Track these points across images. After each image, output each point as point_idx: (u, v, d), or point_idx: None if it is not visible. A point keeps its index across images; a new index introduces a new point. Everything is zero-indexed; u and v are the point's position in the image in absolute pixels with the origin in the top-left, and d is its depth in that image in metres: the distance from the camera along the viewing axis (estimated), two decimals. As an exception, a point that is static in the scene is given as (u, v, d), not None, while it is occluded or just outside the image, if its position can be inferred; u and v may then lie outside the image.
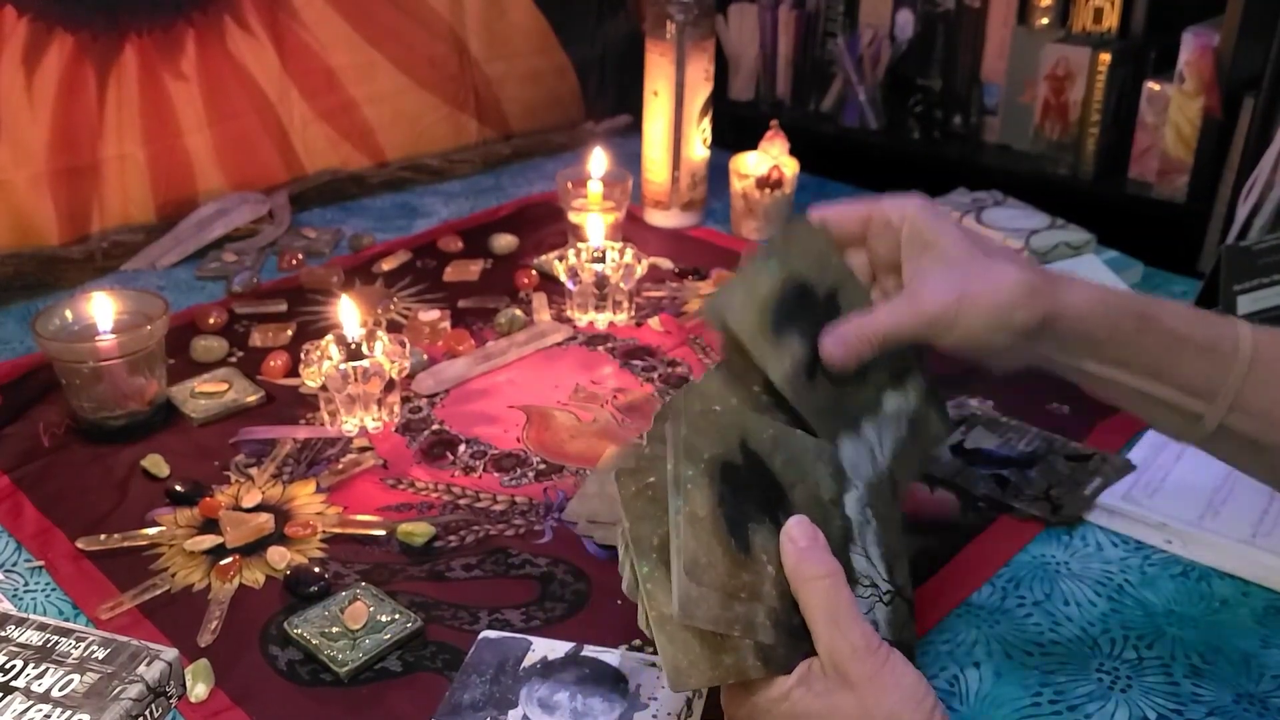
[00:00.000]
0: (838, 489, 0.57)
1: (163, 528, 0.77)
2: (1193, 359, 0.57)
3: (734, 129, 1.38)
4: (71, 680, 0.59)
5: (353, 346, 0.89)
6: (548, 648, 0.65)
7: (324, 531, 0.77)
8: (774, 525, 0.53)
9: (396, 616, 0.67)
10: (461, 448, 0.87)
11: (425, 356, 0.99)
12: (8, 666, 0.60)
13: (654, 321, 1.06)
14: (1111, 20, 1.46)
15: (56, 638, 0.62)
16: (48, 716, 0.57)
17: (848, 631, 0.50)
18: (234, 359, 1.00)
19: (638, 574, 0.51)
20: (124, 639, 0.63)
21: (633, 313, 1.08)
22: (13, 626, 0.63)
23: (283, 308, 1.09)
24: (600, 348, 1.03)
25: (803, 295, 0.60)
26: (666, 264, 1.19)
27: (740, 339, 0.57)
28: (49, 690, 0.59)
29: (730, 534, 0.51)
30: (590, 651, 0.64)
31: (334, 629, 0.66)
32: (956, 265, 0.57)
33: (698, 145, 1.26)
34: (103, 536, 0.76)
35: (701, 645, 0.50)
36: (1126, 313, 0.57)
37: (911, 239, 0.59)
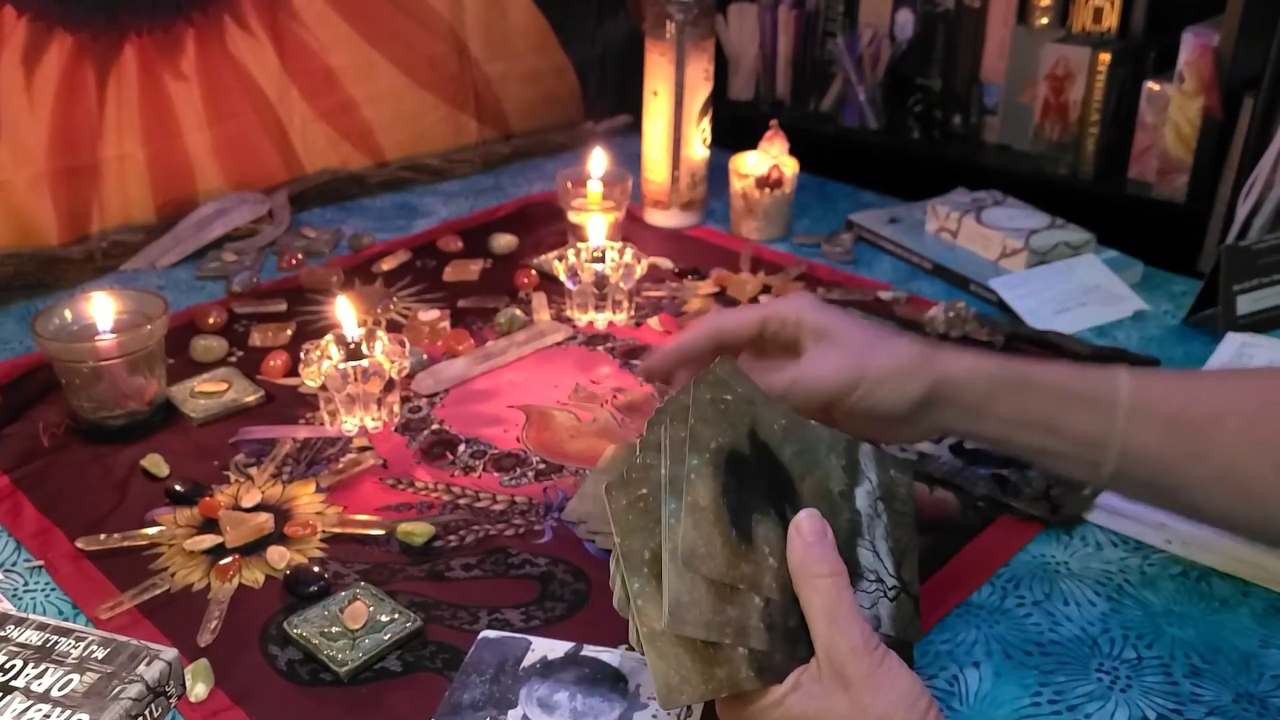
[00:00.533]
0: (849, 482, 0.57)
1: (162, 527, 0.77)
2: (1078, 412, 0.61)
3: (734, 129, 1.38)
4: (71, 680, 0.59)
5: (352, 346, 0.89)
6: (547, 647, 0.65)
7: (324, 531, 0.77)
8: (779, 517, 0.53)
9: (396, 616, 0.67)
10: (461, 447, 0.87)
11: (425, 356, 0.99)
12: (7, 666, 0.60)
13: (653, 321, 1.06)
14: (1111, 20, 1.46)
15: (56, 637, 0.62)
16: (47, 716, 0.57)
17: (846, 631, 0.50)
18: (234, 359, 1.00)
19: (628, 589, 0.51)
20: (123, 639, 0.63)
21: (632, 312, 1.08)
22: (12, 626, 0.63)
23: (282, 307, 1.09)
24: (600, 347, 1.03)
25: (736, 466, 0.53)
26: (666, 264, 1.19)
27: (716, 576, 0.51)
28: (48, 690, 0.59)
29: (732, 524, 0.51)
30: (590, 651, 0.64)
31: (334, 629, 0.66)
32: (849, 344, 0.64)
33: (697, 145, 1.26)
34: (102, 536, 0.76)
35: (693, 660, 0.49)
36: (1005, 375, 0.62)
37: (809, 331, 0.65)
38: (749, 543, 0.51)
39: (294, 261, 1.19)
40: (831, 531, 0.53)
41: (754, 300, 1.10)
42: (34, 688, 0.59)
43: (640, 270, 1.06)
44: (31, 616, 0.65)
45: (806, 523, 0.53)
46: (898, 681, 0.50)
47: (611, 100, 1.64)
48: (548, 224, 1.29)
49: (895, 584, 0.55)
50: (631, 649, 0.65)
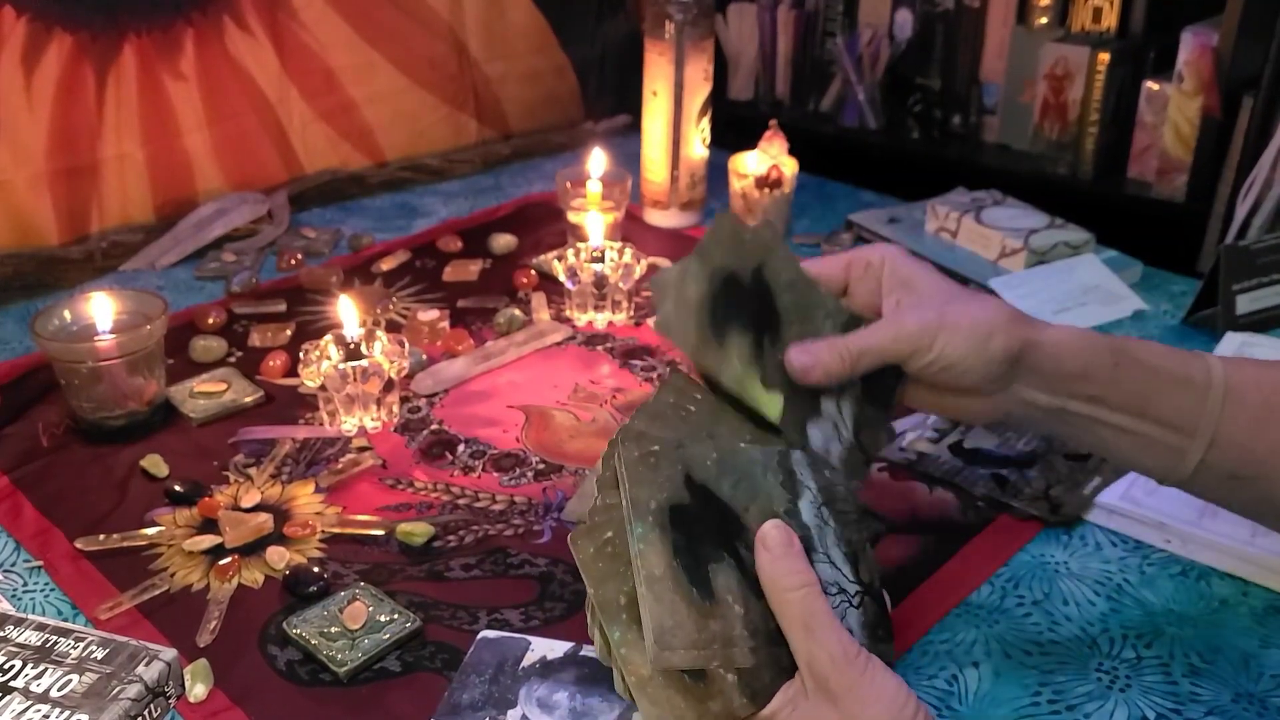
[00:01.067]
0: (791, 498, 0.56)
1: (162, 528, 0.77)
2: (1170, 393, 0.57)
3: (733, 129, 1.38)
4: (70, 680, 0.59)
5: (352, 346, 0.89)
6: (547, 647, 0.65)
7: (323, 531, 0.77)
8: (734, 559, 0.52)
9: (395, 616, 0.67)
10: (460, 447, 0.87)
11: (424, 356, 0.99)
12: (6, 666, 0.60)
13: (653, 321, 1.06)
14: (1110, 20, 1.46)
15: (55, 638, 0.62)
16: (46, 717, 0.57)
17: (825, 642, 0.49)
18: (233, 359, 1.00)
19: (609, 639, 0.50)
20: (123, 639, 0.63)
21: (632, 312, 1.08)
22: (11, 626, 0.63)
23: (282, 308, 1.09)
24: (599, 347, 1.03)
25: (730, 286, 0.60)
26: (665, 264, 1.19)
27: (688, 354, 0.59)
28: (48, 690, 0.59)
29: (691, 584, 0.50)
30: (589, 651, 0.64)
31: (333, 629, 0.66)
32: (936, 297, 0.59)
33: (697, 145, 1.26)
34: (102, 536, 0.76)
35: (685, 699, 0.49)
36: (1102, 348, 0.58)
37: (892, 278, 0.61)
38: (712, 598, 0.50)
39: (293, 262, 1.19)
40: (798, 540, 0.52)
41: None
42: (33, 688, 0.59)
43: (640, 270, 1.06)
44: (31, 617, 0.65)
45: (771, 536, 0.51)
46: (883, 688, 0.49)
47: (611, 100, 1.64)
48: (547, 224, 1.29)
49: (857, 589, 0.55)
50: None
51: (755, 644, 0.50)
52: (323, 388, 0.88)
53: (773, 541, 0.51)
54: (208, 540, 0.75)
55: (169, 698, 0.62)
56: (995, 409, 0.60)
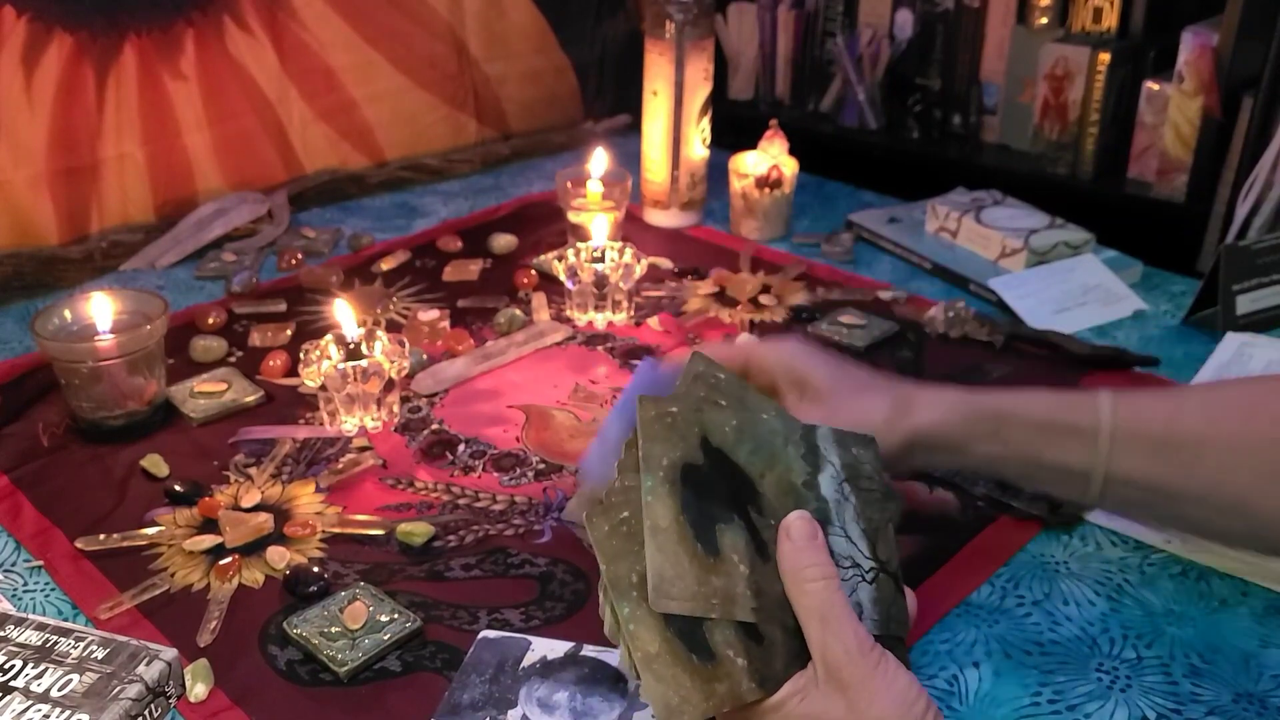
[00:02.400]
0: (811, 470, 0.56)
1: (162, 528, 0.77)
2: (1059, 443, 0.62)
3: (733, 129, 1.38)
4: (71, 680, 0.59)
5: (352, 346, 0.89)
6: (547, 647, 0.65)
7: (323, 531, 0.77)
8: (744, 521, 0.52)
9: (396, 616, 0.67)
10: (461, 447, 0.87)
11: (424, 356, 0.99)
12: (7, 666, 0.60)
13: (653, 321, 1.06)
14: (1110, 20, 1.46)
15: (56, 637, 0.62)
16: (47, 716, 0.57)
17: (840, 634, 0.50)
18: (233, 359, 1.00)
19: (619, 616, 0.50)
20: (123, 639, 0.63)
21: (632, 312, 1.08)
22: (12, 626, 0.63)
23: (282, 308, 1.09)
24: (599, 347, 1.03)
25: (691, 479, 0.53)
26: (666, 264, 1.19)
27: (699, 597, 0.50)
28: (48, 690, 0.59)
29: (696, 539, 0.50)
30: (590, 651, 0.64)
31: (333, 629, 0.66)
32: (826, 402, 0.64)
33: (697, 145, 1.26)
34: (102, 536, 0.76)
35: (692, 678, 0.49)
36: (982, 415, 0.63)
37: (788, 379, 0.66)
38: (716, 554, 0.51)
39: (294, 261, 1.18)
40: (821, 533, 0.52)
41: (753, 300, 1.10)
42: (33, 688, 0.59)
43: (640, 270, 1.06)
44: (31, 616, 0.65)
45: (796, 526, 0.52)
46: (895, 683, 0.49)
47: (611, 100, 1.64)
48: (547, 224, 1.29)
49: (873, 565, 0.55)
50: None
51: (758, 605, 0.51)
52: (323, 387, 0.88)
53: (796, 532, 0.52)
54: (208, 540, 0.75)
55: (169, 697, 0.62)
56: (904, 471, 0.67)
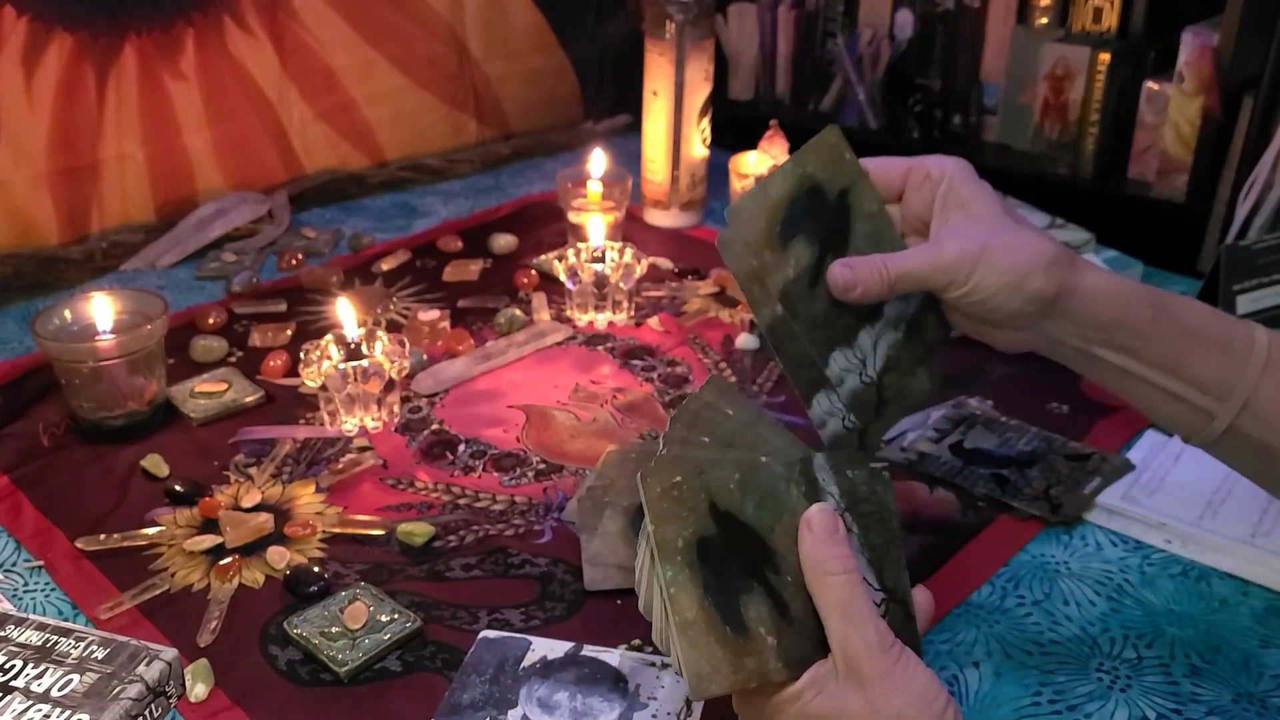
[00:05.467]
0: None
1: (162, 528, 0.77)
2: (1207, 355, 0.56)
3: (733, 129, 1.38)
4: (71, 680, 0.60)
5: (352, 346, 0.89)
6: (547, 647, 0.65)
7: (323, 531, 0.77)
8: (763, 586, 0.52)
9: (396, 616, 0.67)
10: (461, 447, 0.87)
11: (425, 356, 0.99)
12: (7, 666, 0.60)
13: (653, 321, 1.06)
14: (1111, 20, 1.46)
15: (56, 638, 0.62)
16: (47, 716, 0.57)
17: (861, 628, 0.49)
18: (233, 359, 1.00)
19: (660, 579, 0.50)
20: (123, 639, 0.63)
21: (632, 312, 1.08)
22: (12, 626, 0.63)
23: (282, 308, 1.09)
24: (600, 347, 1.03)
25: (814, 196, 0.60)
26: (666, 264, 1.19)
27: (748, 250, 0.58)
28: (48, 690, 0.59)
29: (724, 622, 0.50)
30: (590, 651, 0.64)
31: (334, 629, 0.66)
32: (983, 223, 0.57)
33: (697, 145, 1.26)
34: (102, 536, 0.76)
35: (724, 650, 0.50)
36: (1143, 300, 0.57)
37: (947, 195, 0.59)
38: (745, 633, 0.51)
39: (294, 261, 1.18)
40: (842, 526, 0.52)
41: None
42: (34, 688, 0.59)
43: (640, 270, 1.06)
44: (31, 616, 0.65)
45: (817, 519, 0.52)
46: (915, 680, 0.49)
47: (611, 100, 1.64)
48: (548, 224, 1.29)
49: (881, 595, 0.55)
50: (631, 649, 0.65)
51: (791, 673, 0.51)
52: (323, 388, 0.88)
53: (818, 525, 0.52)
54: (208, 540, 0.75)
55: (170, 697, 0.62)
56: (1024, 343, 0.59)
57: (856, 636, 0.49)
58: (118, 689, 0.59)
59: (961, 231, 0.57)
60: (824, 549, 0.51)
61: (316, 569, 0.72)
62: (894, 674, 0.49)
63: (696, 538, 0.52)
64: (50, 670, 0.60)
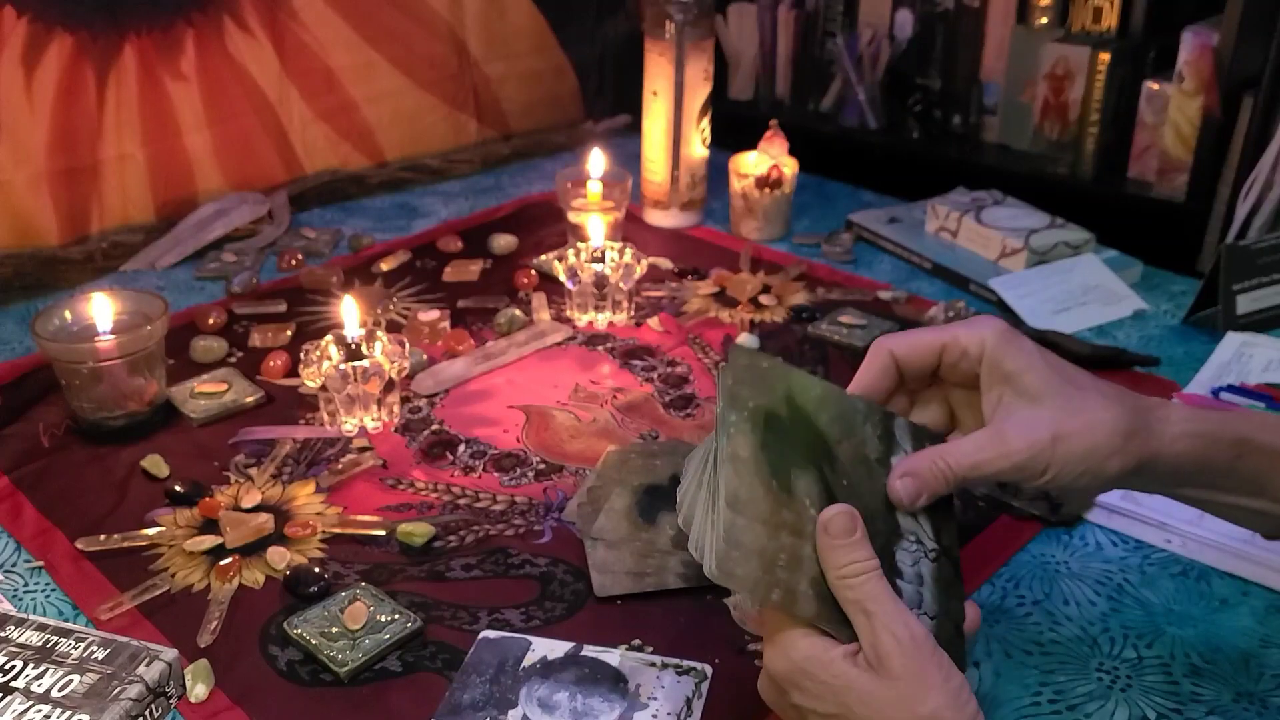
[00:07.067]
0: (884, 450, 0.56)
1: (162, 528, 0.77)
2: None
3: (733, 129, 1.38)
4: (71, 680, 0.60)
5: (352, 346, 0.89)
6: (547, 648, 0.65)
7: (324, 531, 0.77)
8: (819, 473, 0.53)
9: (396, 616, 0.67)
10: (461, 447, 0.87)
11: (425, 356, 0.99)
12: (7, 667, 0.60)
13: (653, 321, 1.06)
14: (1111, 20, 1.46)
15: (56, 638, 0.62)
16: (47, 717, 0.57)
17: (889, 623, 0.49)
18: (233, 359, 1.00)
19: (723, 426, 0.52)
20: (124, 639, 0.63)
21: (632, 312, 1.08)
22: (12, 627, 0.63)
23: (282, 308, 1.09)
24: (600, 347, 1.03)
25: (773, 423, 0.54)
26: (666, 264, 1.19)
27: (768, 529, 0.52)
28: (49, 690, 0.59)
29: (772, 475, 0.51)
30: (590, 651, 0.65)
31: (334, 629, 0.66)
32: (1043, 402, 0.53)
33: (697, 145, 1.26)
34: (102, 537, 0.76)
35: (765, 495, 0.51)
36: (1224, 441, 0.55)
37: (992, 372, 0.55)
38: (789, 493, 0.52)
39: (294, 262, 1.19)
40: (862, 526, 0.51)
41: (753, 300, 1.10)
42: (34, 688, 0.59)
43: (640, 270, 1.06)
44: (32, 617, 0.65)
45: (834, 522, 0.51)
46: (949, 679, 0.48)
47: (611, 100, 1.64)
48: (548, 224, 1.29)
49: (935, 548, 0.55)
50: (631, 649, 0.65)
51: (820, 611, 0.51)
52: (323, 388, 0.88)
53: (835, 528, 0.51)
54: (208, 540, 0.75)
55: (170, 698, 0.62)
56: (1098, 494, 0.58)
57: (885, 632, 0.49)
58: (118, 689, 0.59)
59: (1023, 418, 0.54)
60: (841, 553, 0.51)
61: (316, 569, 0.72)
62: (928, 672, 0.48)
63: (765, 411, 0.53)
64: (50, 671, 0.60)
